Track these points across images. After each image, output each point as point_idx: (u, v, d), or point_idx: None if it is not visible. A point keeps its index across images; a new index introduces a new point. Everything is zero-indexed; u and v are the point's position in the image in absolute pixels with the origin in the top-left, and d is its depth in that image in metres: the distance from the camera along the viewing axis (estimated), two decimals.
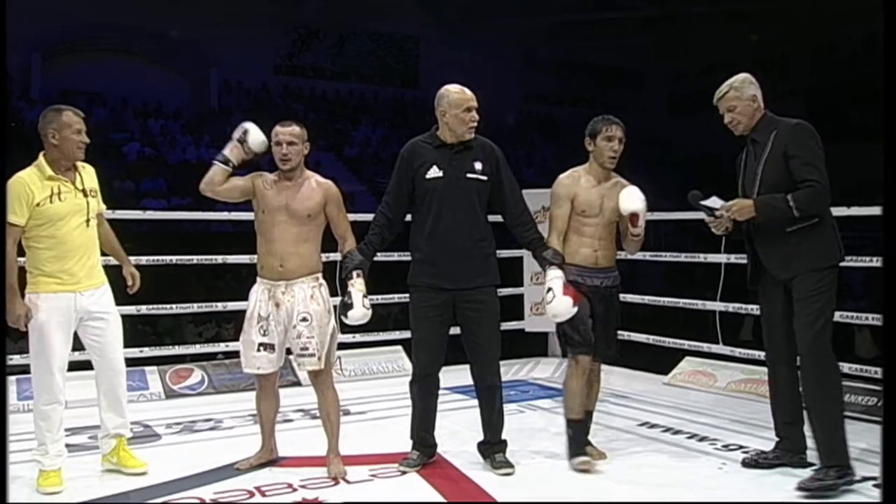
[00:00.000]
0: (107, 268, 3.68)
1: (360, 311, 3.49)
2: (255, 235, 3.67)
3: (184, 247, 5.58)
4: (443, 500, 3.30)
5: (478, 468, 3.62)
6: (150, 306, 5.19)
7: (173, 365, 5.49)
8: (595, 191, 3.66)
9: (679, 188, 4.09)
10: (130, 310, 4.64)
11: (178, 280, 8.29)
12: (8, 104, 12.71)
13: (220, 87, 17.64)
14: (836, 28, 16.46)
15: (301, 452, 3.85)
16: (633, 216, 3.58)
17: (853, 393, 4.43)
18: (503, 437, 3.68)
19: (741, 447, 3.94)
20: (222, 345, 5.92)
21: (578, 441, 3.68)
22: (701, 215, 3.57)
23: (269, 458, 3.71)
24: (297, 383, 5.25)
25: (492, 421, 3.65)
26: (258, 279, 3.61)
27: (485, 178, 3.58)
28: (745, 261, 5.11)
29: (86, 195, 3.49)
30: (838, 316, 3.77)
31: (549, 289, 3.53)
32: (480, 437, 3.71)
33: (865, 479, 3.32)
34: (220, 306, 5.79)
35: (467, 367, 3.66)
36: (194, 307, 5.66)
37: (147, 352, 5.31)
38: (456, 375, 4.05)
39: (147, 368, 5.33)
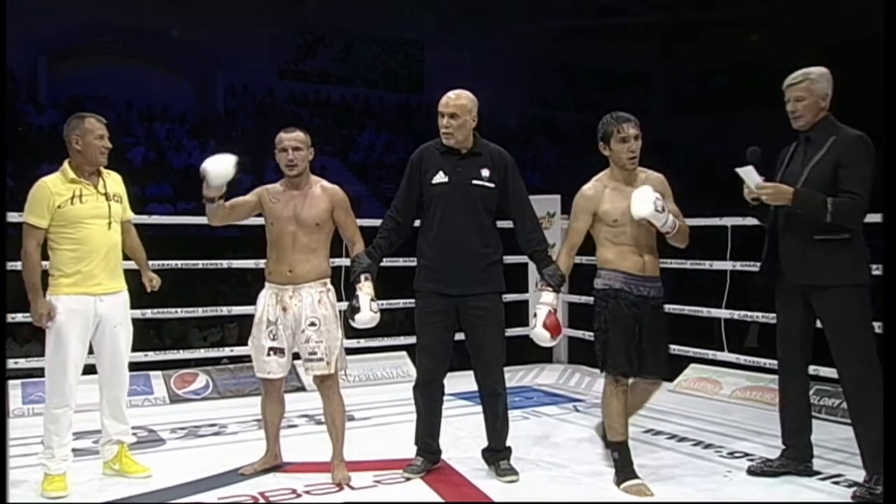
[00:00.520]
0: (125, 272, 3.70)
1: (367, 315, 3.49)
2: (261, 240, 3.68)
3: (189, 251, 5.58)
4: None
5: (482, 475, 3.61)
6: (156, 310, 5.20)
7: (178, 369, 5.48)
8: (623, 196, 3.45)
9: (684, 191, 4.06)
10: (136, 314, 4.61)
11: (184, 284, 8.29)
12: (6, 105, 12.73)
13: (225, 92, 17.68)
14: (837, 31, 16.45)
15: (305, 458, 3.85)
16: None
17: None
18: (508, 443, 3.67)
19: (746, 455, 3.93)
20: (227, 349, 5.92)
21: (626, 463, 3.46)
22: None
23: (273, 464, 3.70)
24: (302, 388, 5.25)
25: (496, 428, 3.64)
26: (266, 284, 3.61)
27: (492, 185, 3.56)
28: (750, 268, 5.13)
29: (108, 199, 3.54)
30: None
31: (535, 313, 3.50)
32: (485, 444, 3.70)
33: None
34: (225, 311, 5.79)
35: (468, 373, 3.66)
36: (199, 312, 5.66)
37: (152, 356, 5.31)
38: (461, 381, 4.05)
39: (152, 373, 5.33)
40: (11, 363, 4.89)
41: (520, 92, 20.73)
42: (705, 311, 5.52)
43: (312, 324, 3.51)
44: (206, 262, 5.50)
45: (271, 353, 3.56)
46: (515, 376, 5.91)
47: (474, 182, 3.54)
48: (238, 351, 5.60)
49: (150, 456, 3.86)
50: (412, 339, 5.82)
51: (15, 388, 4.84)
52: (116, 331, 3.54)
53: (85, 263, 3.43)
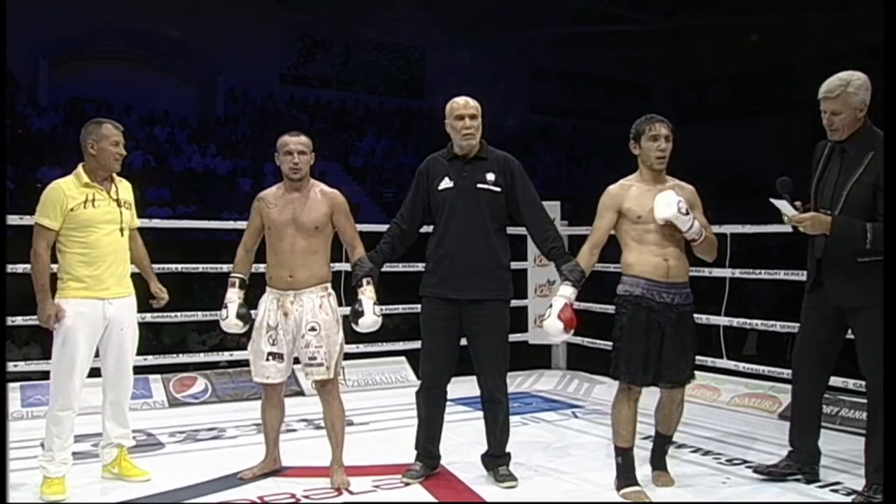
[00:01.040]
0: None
1: (370, 319, 3.50)
2: (261, 245, 3.69)
3: (188, 255, 5.59)
4: None
5: (481, 481, 3.62)
6: (155, 314, 5.19)
7: (177, 373, 5.49)
8: (649, 194, 3.39)
9: None
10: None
11: (183, 288, 8.29)
12: (6, 107, 12.74)
13: (225, 96, 17.70)
14: (842, 38, 16.50)
15: (305, 462, 3.85)
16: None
17: (857, 409, 4.42)
18: (507, 449, 3.67)
19: (745, 462, 3.94)
20: (226, 353, 5.92)
21: (628, 469, 3.44)
22: None
23: (272, 468, 3.70)
24: (301, 393, 5.26)
25: (496, 434, 3.64)
26: (267, 289, 3.62)
27: (498, 189, 3.57)
28: (749, 276, 5.14)
29: (119, 205, 3.57)
30: None
31: (551, 304, 3.43)
32: (484, 450, 3.71)
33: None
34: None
35: (473, 378, 3.66)
36: (198, 315, 5.66)
37: (151, 359, 5.31)
38: (461, 387, 4.06)
39: (151, 376, 5.33)
40: (10, 366, 4.88)
41: (520, 98, 20.78)
42: (704, 318, 5.51)
43: (312, 329, 3.51)
44: (205, 265, 5.51)
45: (270, 358, 3.56)
46: (514, 382, 5.91)
47: (479, 186, 3.55)
48: (237, 355, 5.59)
49: (149, 460, 3.86)
50: (412, 345, 5.87)
51: (14, 392, 4.83)
52: (123, 334, 3.56)
53: (94, 268, 3.45)
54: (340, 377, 3.74)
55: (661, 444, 3.65)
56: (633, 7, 19.39)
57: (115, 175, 3.62)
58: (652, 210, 3.35)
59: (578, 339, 6.23)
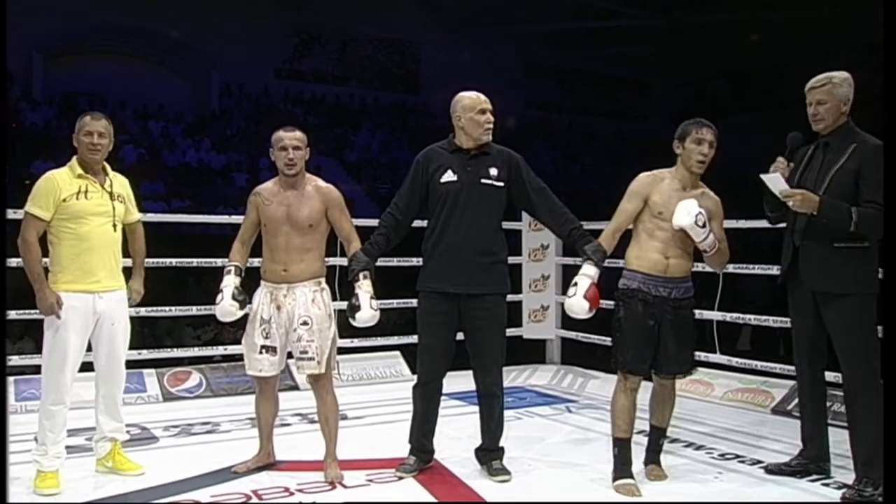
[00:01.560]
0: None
1: (368, 313, 3.50)
2: (256, 239, 3.68)
3: (183, 249, 5.58)
4: None
5: (474, 475, 3.62)
6: (149, 308, 5.19)
7: (171, 367, 5.49)
8: (676, 194, 3.44)
9: None
10: (129, 311, 4.63)
11: (177, 283, 8.30)
12: (7, 104, 12.70)
13: (220, 90, 17.66)
14: (837, 36, 16.52)
15: (298, 456, 3.85)
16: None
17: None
18: (501, 444, 3.68)
19: (737, 456, 3.96)
20: (220, 348, 5.93)
21: (623, 462, 3.49)
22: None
23: (266, 462, 3.71)
24: (295, 387, 5.26)
25: (490, 428, 3.65)
26: (262, 282, 3.62)
27: (500, 183, 3.57)
28: (742, 271, 5.15)
29: (113, 198, 3.55)
30: None
31: (575, 283, 3.46)
32: (477, 444, 3.71)
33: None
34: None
35: (466, 372, 3.67)
36: (193, 310, 5.66)
37: (145, 354, 5.31)
38: (455, 381, 4.06)
39: (145, 371, 5.33)
40: None
41: (517, 94, 20.74)
42: (698, 314, 5.52)
43: (305, 323, 3.51)
44: (199, 260, 5.50)
45: (263, 351, 3.56)
46: (508, 377, 5.90)
47: (483, 181, 3.55)
48: (231, 349, 5.60)
49: (143, 453, 3.86)
50: (406, 339, 5.89)
51: (7, 386, 4.82)
52: (114, 328, 3.55)
53: (84, 260, 3.44)
54: (335, 371, 3.74)
55: (655, 437, 3.67)
56: (630, 3, 19.38)
57: (110, 169, 3.60)
58: (671, 209, 3.41)
59: (573, 334, 6.25)
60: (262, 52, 18.16)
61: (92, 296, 3.46)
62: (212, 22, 17.09)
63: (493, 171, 3.57)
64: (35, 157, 12.29)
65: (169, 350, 5.77)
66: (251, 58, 17.74)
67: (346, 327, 3.77)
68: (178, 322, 9.22)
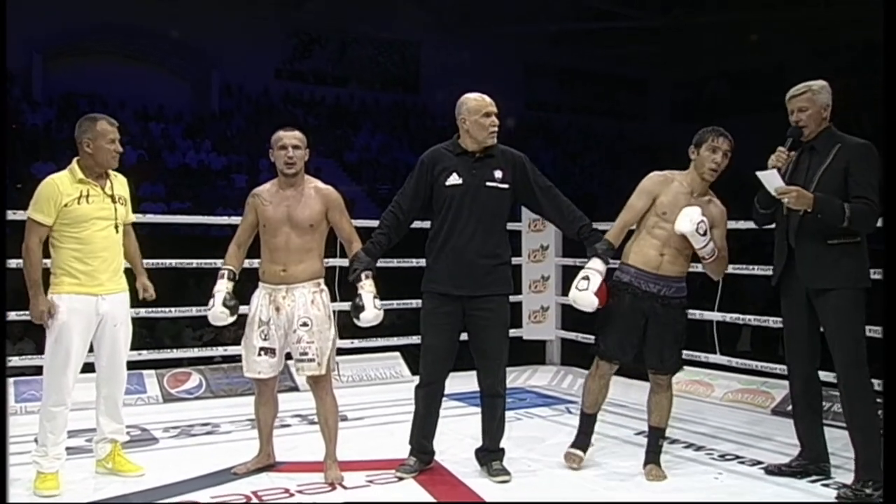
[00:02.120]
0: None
1: (371, 313, 3.50)
2: (255, 240, 3.68)
3: (183, 251, 5.58)
4: None
5: (475, 475, 3.62)
6: (149, 309, 5.18)
7: (171, 369, 5.49)
8: (683, 198, 3.54)
9: None
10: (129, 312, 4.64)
11: (177, 284, 8.29)
12: (7, 105, 12.70)
13: (220, 91, 17.66)
14: (835, 36, 16.53)
15: (298, 458, 3.86)
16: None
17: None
18: (501, 445, 3.68)
19: (737, 457, 3.96)
20: (220, 349, 5.92)
21: (582, 432, 3.76)
22: None
23: (266, 463, 3.71)
24: (295, 388, 5.26)
25: (492, 429, 3.65)
26: (260, 284, 3.61)
27: (505, 186, 3.58)
28: (743, 272, 5.15)
29: (114, 201, 3.55)
30: None
31: (586, 277, 3.51)
32: (478, 445, 3.71)
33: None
34: None
35: (466, 373, 3.67)
36: (193, 311, 5.65)
37: (145, 355, 5.30)
38: (455, 382, 4.05)
39: (145, 372, 5.33)
40: None
41: (516, 95, 20.74)
42: (698, 314, 5.53)
43: (304, 324, 3.51)
44: (199, 261, 5.49)
45: (262, 353, 3.56)
46: (508, 378, 5.83)
47: (488, 184, 3.55)
48: (231, 350, 5.60)
49: (143, 455, 3.86)
50: (406, 340, 5.88)
51: (7, 387, 4.82)
52: (116, 330, 3.55)
53: (87, 264, 3.44)
54: (334, 372, 3.74)
55: (654, 437, 3.68)
56: (629, 4, 19.39)
57: (109, 170, 3.60)
58: (676, 212, 3.49)
59: (573, 335, 6.25)
60: (262, 52, 18.17)
61: (95, 298, 3.46)
62: (212, 23, 17.09)
63: (498, 174, 3.57)
64: (35, 158, 12.30)
65: (169, 351, 5.76)
66: (251, 59, 17.75)
67: (345, 328, 3.77)
68: (178, 323, 9.22)
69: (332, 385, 3.66)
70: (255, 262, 3.72)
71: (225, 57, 17.34)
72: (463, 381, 3.82)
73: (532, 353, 6.47)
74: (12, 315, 4.61)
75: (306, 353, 3.51)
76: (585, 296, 3.49)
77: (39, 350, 3.53)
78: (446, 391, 3.72)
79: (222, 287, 3.60)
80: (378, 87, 19.99)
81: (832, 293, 3.38)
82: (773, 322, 5.00)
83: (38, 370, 4.36)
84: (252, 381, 3.74)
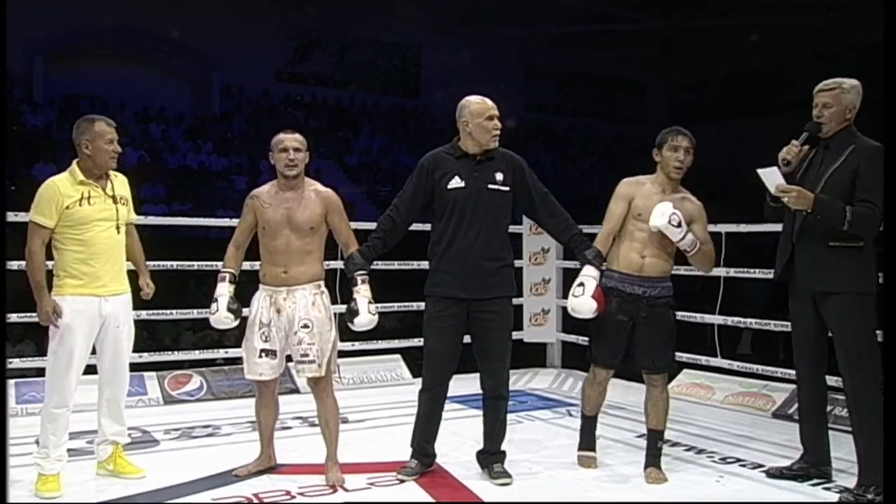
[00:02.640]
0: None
1: (366, 318, 3.50)
2: (255, 242, 3.68)
3: (183, 252, 5.57)
4: None
5: (476, 478, 3.62)
6: (150, 311, 5.19)
7: (172, 371, 5.48)
8: (657, 198, 3.61)
9: None
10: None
11: (178, 286, 8.29)
12: (7, 106, 12.70)
13: (221, 93, 17.66)
14: (835, 38, 16.53)
15: (299, 460, 3.86)
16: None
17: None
18: (502, 447, 3.68)
19: (738, 460, 3.96)
20: (221, 351, 5.92)
21: (586, 434, 3.86)
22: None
23: (267, 465, 3.71)
24: (296, 391, 5.26)
25: (493, 431, 3.66)
26: (260, 286, 3.62)
27: (506, 188, 3.58)
28: (743, 275, 5.15)
29: (115, 202, 3.55)
30: None
31: (581, 284, 3.54)
32: (479, 447, 3.71)
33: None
34: None
35: (466, 376, 3.67)
36: (194, 313, 5.66)
37: (146, 357, 5.30)
38: (455, 384, 4.05)
39: (146, 374, 5.32)
40: None
41: (516, 97, 20.74)
42: (699, 317, 5.54)
43: (305, 326, 3.51)
44: (200, 263, 5.49)
45: (263, 354, 3.56)
46: (509, 380, 5.92)
47: (490, 186, 3.56)
48: (232, 352, 5.60)
49: (144, 457, 3.86)
50: (406, 343, 5.88)
51: (8, 388, 4.81)
52: (119, 331, 3.55)
53: (90, 265, 3.44)
54: (336, 375, 3.74)
55: (653, 440, 3.69)
56: (629, 6, 19.39)
57: (109, 171, 3.59)
58: (650, 211, 3.54)
59: (573, 338, 6.25)
60: (262, 54, 18.17)
61: (98, 299, 3.46)
62: (212, 24, 17.11)
63: (499, 176, 3.58)
64: (36, 159, 12.30)
65: (170, 353, 5.76)
66: (252, 60, 17.76)
67: (346, 331, 3.77)
68: (179, 325, 9.21)
69: (333, 387, 3.66)
70: (256, 265, 3.72)
71: (225, 59, 17.36)
72: (464, 384, 3.82)
73: (533, 356, 6.47)
74: (13, 317, 4.62)
75: (307, 355, 3.51)
76: (583, 301, 3.52)
77: (40, 352, 3.53)
78: (448, 393, 3.72)
79: (224, 291, 3.61)
80: (378, 89, 20.00)
81: (834, 297, 3.36)
82: (774, 325, 5.01)
83: (39, 372, 4.36)
84: (253, 383, 3.74)
